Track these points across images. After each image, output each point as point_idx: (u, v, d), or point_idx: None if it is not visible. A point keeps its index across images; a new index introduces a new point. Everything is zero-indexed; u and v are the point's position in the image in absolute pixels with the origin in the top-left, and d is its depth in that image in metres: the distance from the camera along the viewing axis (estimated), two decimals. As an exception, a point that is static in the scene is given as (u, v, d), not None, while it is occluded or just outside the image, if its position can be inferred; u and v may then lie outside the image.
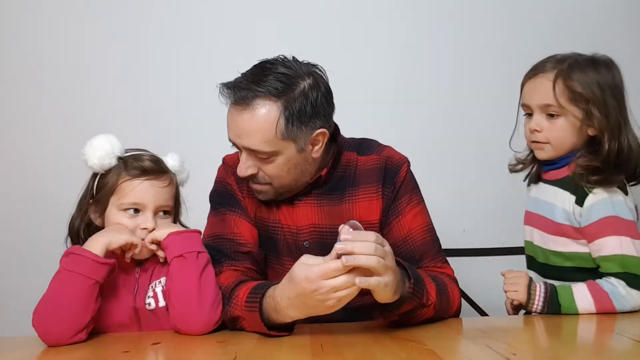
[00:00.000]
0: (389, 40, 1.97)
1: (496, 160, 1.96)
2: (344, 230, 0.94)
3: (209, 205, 1.31)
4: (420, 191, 1.28)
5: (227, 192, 1.27)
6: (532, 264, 1.32)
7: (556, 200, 1.22)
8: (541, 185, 1.29)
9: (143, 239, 1.14)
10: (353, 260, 0.88)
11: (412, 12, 2.01)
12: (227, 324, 1.10)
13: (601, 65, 1.19)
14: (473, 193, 1.98)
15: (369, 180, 1.24)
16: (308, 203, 1.24)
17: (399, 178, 1.24)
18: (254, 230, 1.23)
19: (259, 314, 1.01)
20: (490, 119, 1.99)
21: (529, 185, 1.35)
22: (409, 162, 1.28)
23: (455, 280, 1.21)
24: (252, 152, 1.13)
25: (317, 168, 1.23)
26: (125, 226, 1.15)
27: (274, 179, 1.16)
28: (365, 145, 1.29)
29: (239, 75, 1.15)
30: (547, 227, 1.25)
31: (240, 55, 1.93)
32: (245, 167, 1.15)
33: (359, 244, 0.90)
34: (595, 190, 1.16)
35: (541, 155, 1.25)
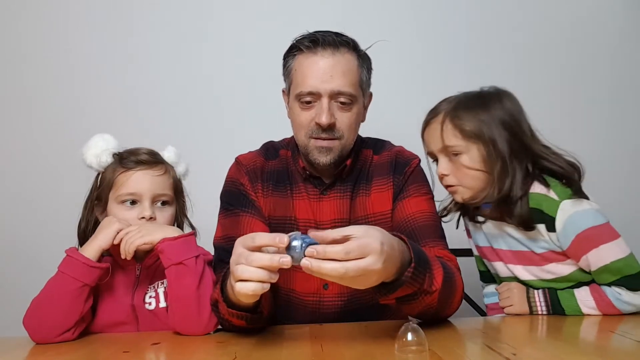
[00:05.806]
0: (389, 42, 1.97)
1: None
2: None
3: (214, 203, 1.30)
4: (429, 186, 1.30)
5: (239, 193, 1.27)
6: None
7: (525, 234, 1.18)
8: (495, 222, 1.23)
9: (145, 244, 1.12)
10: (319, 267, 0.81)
11: (416, 13, 2.02)
12: (215, 314, 1.09)
13: (488, 99, 1.18)
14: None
15: (380, 174, 1.29)
16: (332, 197, 1.26)
17: (409, 168, 1.29)
18: (267, 230, 1.23)
19: (219, 289, 1.02)
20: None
21: (469, 221, 1.31)
22: (419, 160, 1.32)
23: (459, 271, 1.17)
24: (337, 96, 1.18)
25: (347, 152, 1.25)
26: (114, 217, 1.16)
27: (345, 131, 1.21)
28: (380, 145, 1.36)
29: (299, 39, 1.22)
30: (531, 260, 1.20)
31: (243, 55, 1.96)
32: (330, 114, 1.18)
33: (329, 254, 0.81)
34: (560, 210, 1.11)
35: (458, 198, 1.21)
